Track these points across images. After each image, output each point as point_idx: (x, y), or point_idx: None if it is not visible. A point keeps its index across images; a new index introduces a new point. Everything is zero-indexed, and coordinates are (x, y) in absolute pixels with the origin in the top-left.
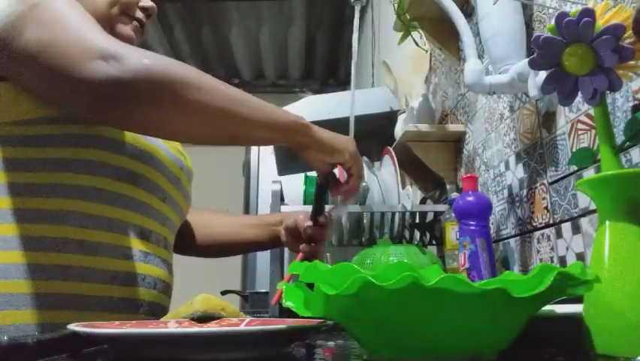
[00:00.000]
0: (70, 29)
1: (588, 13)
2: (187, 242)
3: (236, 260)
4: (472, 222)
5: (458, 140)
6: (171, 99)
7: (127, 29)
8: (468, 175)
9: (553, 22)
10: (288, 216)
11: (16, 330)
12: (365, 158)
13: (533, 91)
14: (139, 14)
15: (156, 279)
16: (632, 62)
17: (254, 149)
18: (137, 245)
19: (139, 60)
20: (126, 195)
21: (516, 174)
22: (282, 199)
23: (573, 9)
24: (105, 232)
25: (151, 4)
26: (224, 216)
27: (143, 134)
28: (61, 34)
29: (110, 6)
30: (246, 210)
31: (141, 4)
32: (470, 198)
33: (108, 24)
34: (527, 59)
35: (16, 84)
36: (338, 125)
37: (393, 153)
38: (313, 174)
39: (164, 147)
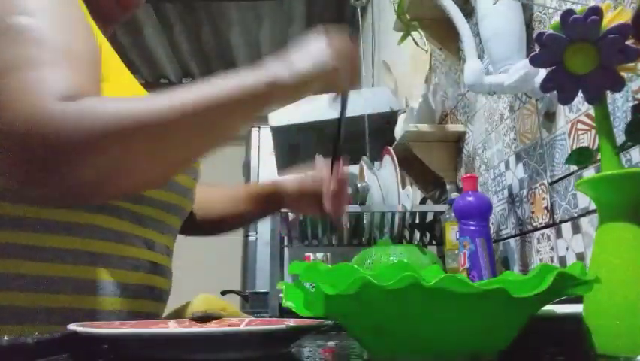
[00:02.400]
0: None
1: (596, 12)
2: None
3: (236, 260)
4: (472, 223)
5: (458, 140)
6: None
7: None
8: (468, 175)
9: (554, 20)
10: (280, 184)
11: None
12: (365, 158)
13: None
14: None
15: (162, 290)
16: (631, 64)
17: (254, 149)
18: (144, 256)
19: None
20: (130, 210)
21: (516, 174)
22: None
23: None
24: (114, 244)
25: None
26: (215, 191)
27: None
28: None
29: None
30: None
31: None
32: (470, 199)
33: None
34: (527, 59)
35: None
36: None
37: (393, 153)
38: None
39: None
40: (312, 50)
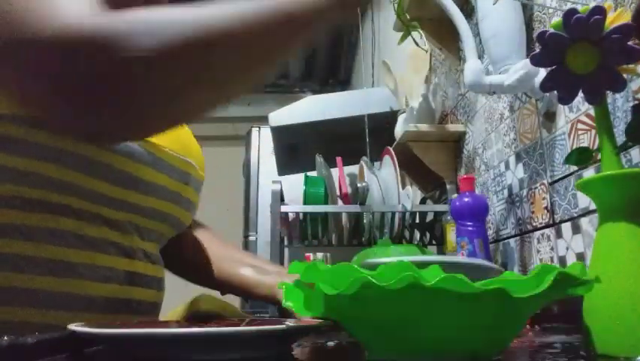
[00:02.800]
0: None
1: (599, 11)
2: (185, 268)
3: None
4: (469, 223)
5: (458, 140)
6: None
7: None
8: (465, 176)
9: (555, 19)
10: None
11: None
12: (365, 158)
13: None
14: None
15: (143, 302)
16: (631, 65)
17: (254, 149)
18: (121, 265)
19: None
20: (110, 218)
21: (516, 174)
22: (282, 199)
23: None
24: (81, 251)
25: None
26: (231, 253)
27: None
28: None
29: None
30: (246, 211)
31: None
32: (467, 200)
33: None
34: (527, 58)
35: None
36: (338, 125)
37: (393, 153)
38: (313, 174)
39: (161, 164)
40: None
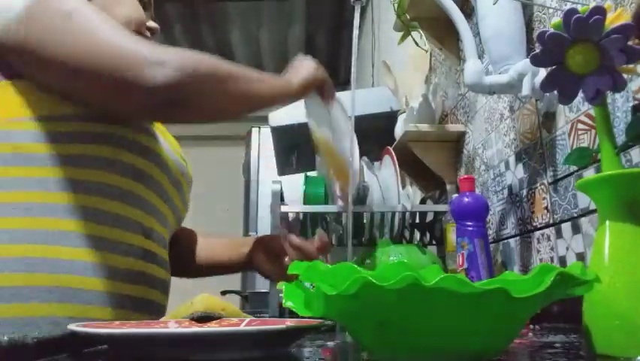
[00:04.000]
0: (110, 40)
1: (599, 11)
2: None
3: None
4: (469, 223)
5: (458, 140)
6: (217, 92)
7: None
8: (465, 176)
9: (555, 19)
10: (258, 239)
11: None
12: (365, 158)
13: (526, 90)
14: (147, 33)
15: (156, 278)
16: (631, 65)
17: (254, 149)
18: (140, 242)
19: (182, 62)
20: (133, 193)
21: (516, 174)
22: (282, 199)
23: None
24: (109, 228)
25: (157, 25)
26: (204, 237)
27: (195, 123)
28: (103, 46)
29: (127, 25)
30: (246, 210)
31: (148, 24)
32: (467, 199)
33: None
34: (528, 58)
35: (34, 83)
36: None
37: (393, 153)
38: (313, 174)
39: (169, 150)
40: (300, 66)
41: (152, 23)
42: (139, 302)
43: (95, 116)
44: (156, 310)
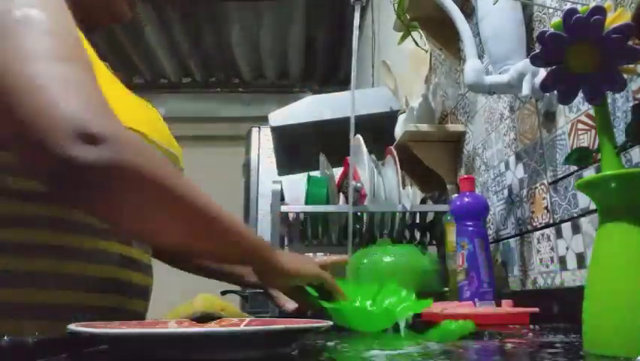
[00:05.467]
0: (52, 86)
1: (599, 11)
2: None
3: None
4: (469, 223)
5: (458, 140)
6: (150, 201)
7: (122, 6)
8: (465, 176)
9: (555, 19)
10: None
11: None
12: (373, 156)
13: (526, 90)
14: (125, 8)
15: (133, 284)
16: (631, 65)
17: (254, 149)
18: (120, 250)
19: (122, 147)
20: None
21: (516, 174)
22: (282, 199)
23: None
24: (88, 238)
25: None
26: None
27: (108, 224)
28: (41, 88)
29: None
30: (246, 210)
31: None
32: (467, 199)
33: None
34: (528, 58)
35: None
36: (338, 125)
37: (395, 153)
38: (316, 174)
39: (159, 142)
40: (304, 260)
41: None
42: (115, 311)
43: None
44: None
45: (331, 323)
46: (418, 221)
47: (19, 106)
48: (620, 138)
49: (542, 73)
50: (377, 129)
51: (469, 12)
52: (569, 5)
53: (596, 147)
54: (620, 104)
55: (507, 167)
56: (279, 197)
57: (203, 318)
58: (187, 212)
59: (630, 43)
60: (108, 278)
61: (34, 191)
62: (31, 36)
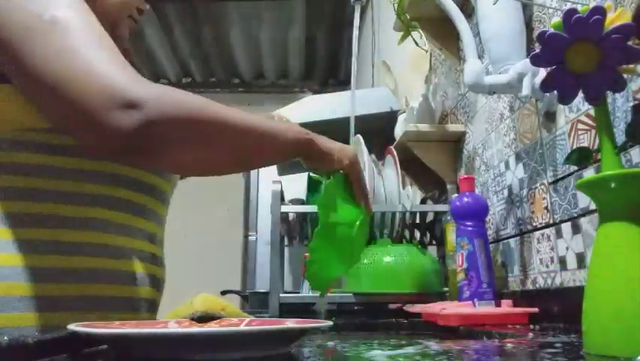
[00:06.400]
0: (89, 65)
1: (599, 11)
2: None
3: (236, 260)
4: (469, 223)
5: (458, 140)
6: (198, 139)
7: (125, 31)
8: (465, 176)
9: (555, 19)
10: None
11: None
12: (373, 156)
13: (526, 90)
14: (136, 15)
15: (158, 278)
16: (631, 65)
17: None
18: (147, 248)
19: (159, 105)
20: (141, 205)
21: (516, 174)
22: (282, 199)
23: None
24: (124, 237)
25: (148, 6)
26: None
27: (173, 173)
28: (79, 71)
29: (119, 10)
30: (246, 210)
31: (140, 6)
32: (467, 199)
33: (111, 24)
34: (527, 58)
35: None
36: (338, 125)
37: (395, 153)
38: (316, 176)
39: None
40: (340, 144)
41: (143, 4)
42: (141, 303)
43: None
44: (155, 309)
45: (331, 323)
46: (418, 221)
47: (66, 93)
48: (620, 138)
49: (542, 73)
50: (377, 129)
51: (469, 12)
52: (569, 5)
53: (596, 147)
54: (620, 104)
55: (507, 167)
56: (279, 197)
57: (203, 318)
58: (241, 137)
59: (630, 43)
60: (146, 274)
61: (93, 193)
62: (74, 33)
